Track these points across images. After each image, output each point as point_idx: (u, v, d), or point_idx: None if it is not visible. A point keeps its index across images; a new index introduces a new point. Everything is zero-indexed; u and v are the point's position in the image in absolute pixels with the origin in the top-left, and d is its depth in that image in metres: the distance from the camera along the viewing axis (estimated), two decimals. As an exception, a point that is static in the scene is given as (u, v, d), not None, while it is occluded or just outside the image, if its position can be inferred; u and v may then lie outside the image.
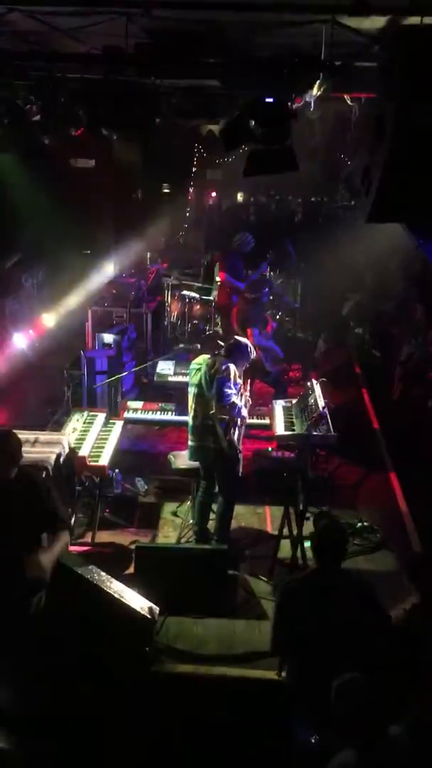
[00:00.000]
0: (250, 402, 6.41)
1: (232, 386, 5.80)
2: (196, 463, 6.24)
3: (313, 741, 3.60)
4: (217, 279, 10.02)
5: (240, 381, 6.06)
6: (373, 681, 3.25)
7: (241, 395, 6.04)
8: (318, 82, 5.27)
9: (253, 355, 6.22)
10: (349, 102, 7.64)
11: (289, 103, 5.22)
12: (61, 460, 5.38)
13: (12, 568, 3.94)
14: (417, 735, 3.25)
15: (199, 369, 5.99)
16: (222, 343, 6.18)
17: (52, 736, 4.15)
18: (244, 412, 6.01)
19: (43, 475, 4.70)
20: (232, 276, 9.76)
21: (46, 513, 4.08)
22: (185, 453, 6.35)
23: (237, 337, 6.64)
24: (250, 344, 6.18)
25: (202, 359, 6.08)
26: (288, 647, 4.04)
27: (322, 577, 3.93)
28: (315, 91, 5.44)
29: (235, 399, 5.80)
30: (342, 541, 3.98)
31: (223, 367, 5.83)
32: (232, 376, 5.83)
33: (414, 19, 4.42)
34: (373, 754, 3.09)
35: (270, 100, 4.94)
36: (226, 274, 9.82)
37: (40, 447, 5.25)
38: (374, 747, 3.09)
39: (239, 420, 5.99)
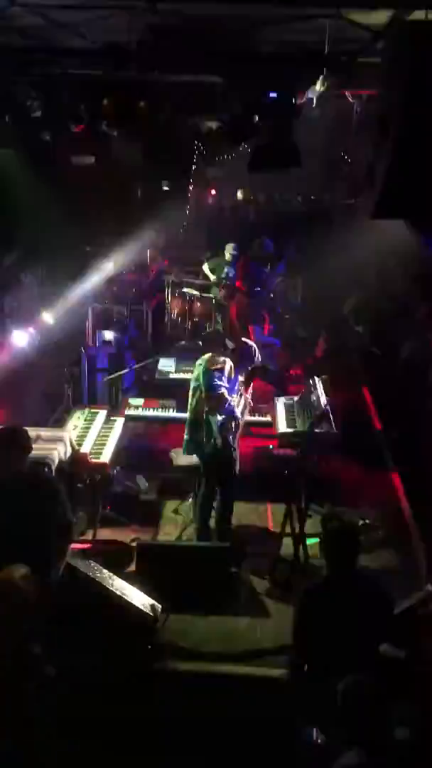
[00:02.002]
0: (252, 404, 6.39)
1: (224, 379, 5.80)
2: (197, 461, 6.22)
3: (319, 741, 3.58)
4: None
5: (241, 379, 6.05)
6: (379, 683, 3.23)
7: (241, 396, 6.02)
8: (321, 77, 5.24)
9: (258, 359, 6.21)
10: (350, 99, 7.61)
11: (293, 99, 5.19)
12: (64, 457, 5.36)
13: (22, 563, 3.92)
14: (421, 737, 3.24)
15: (201, 365, 5.99)
16: (229, 344, 6.17)
17: (52, 734, 4.14)
18: (238, 412, 5.99)
19: (46, 471, 4.68)
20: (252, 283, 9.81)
21: (54, 511, 4.06)
22: (186, 450, 6.33)
23: (245, 339, 6.63)
24: (256, 348, 6.17)
25: (206, 356, 6.07)
26: (307, 649, 4.01)
27: (334, 583, 3.90)
28: (318, 87, 5.42)
29: (224, 392, 5.78)
30: (353, 544, 3.92)
31: (219, 361, 5.83)
32: (226, 371, 5.83)
33: (419, 14, 4.40)
34: (377, 756, 3.06)
35: (274, 95, 4.92)
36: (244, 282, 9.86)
37: (42, 444, 5.23)
38: (379, 749, 3.07)
39: (234, 424, 5.97)
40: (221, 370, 5.80)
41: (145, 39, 5.30)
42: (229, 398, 5.86)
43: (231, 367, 5.86)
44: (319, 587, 4.01)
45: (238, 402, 5.99)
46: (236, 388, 5.91)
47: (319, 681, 3.78)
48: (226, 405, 5.80)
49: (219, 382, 5.77)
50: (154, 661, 4.96)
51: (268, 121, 4.94)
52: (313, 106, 6.37)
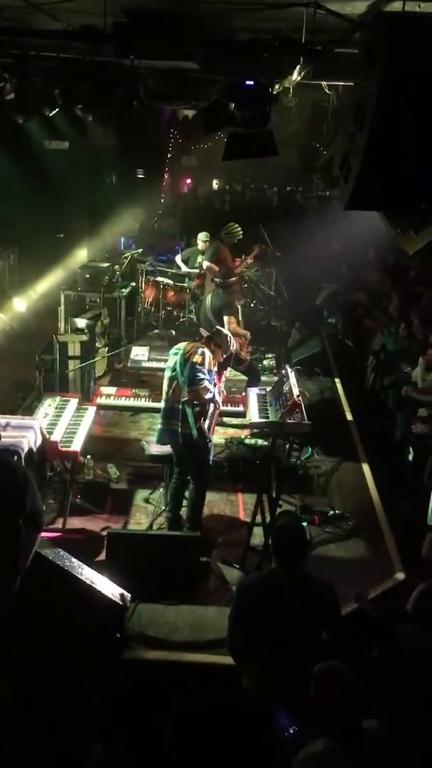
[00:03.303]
0: (224, 393, 6.39)
1: (205, 372, 5.77)
2: (168, 450, 6.20)
3: (291, 731, 3.59)
4: (204, 265, 9.96)
5: (215, 369, 6.03)
6: (354, 672, 3.24)
7: (215, 385, 6.01)
8: (298, 66, 5.22)
9: (233, 346, 6.19)
10: (326, 90, 7.60)
11: (270, 87, 5.16)
12: (34, 445, 5.31)
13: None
14: (391, 730, 3.25)
15: (176, 354, 5.95)
16: (203, 332, 6.15)
17: (24, 725, 4.12)
18: (218, 398, 5.99)
19: (15, 459, 4.63)
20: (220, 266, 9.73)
21: (23, 502, 4.01)
22: (157, 439, 6.32)
23: (218, 327, 6.61)
24: (230, 335, 6.15)
25: (182, 345, 6.05)
26: (243, 643, 4.02)
27: (277, 577, 3.92)
28: (295, 76, 5.39)
29: (207, 384, 5.77)
30: (298, 544, 3.94)
31: (198, 352, 5.80)
32: (206, 363, 5.81)
33: (397, 5, 4.39)
34: (344, 746, 3.07)
35: (251, 83, 4.89)
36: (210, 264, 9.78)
37: (12, 431, 5.17)
38: (347, 739, 3.07)
39: (212, 407, 5.97)
40: (202, 362, 5.77)
41: (121, 22, 5.23)
42: (212, 389, 5.84)
43: (210, 358, 5.83)
44: (262, 580, 4.03)
45: (214, 389, 5.98)
46: (212, 376, 5.90)
47: (269, 673, 3.80)
48: (207, 395, 5.79)
49: (202, 375, 5.74)
50: (123, 649, 4.95)
51: (244, 109, 4.90)
52: (290, 95, 6.35)
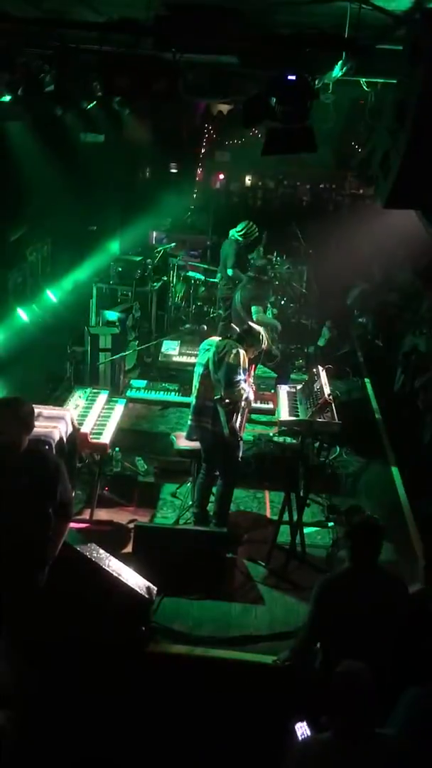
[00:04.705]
0: (254, 388, 6.37)
1: (241, 372, 5.74)
2: (197, 444, 6.20)
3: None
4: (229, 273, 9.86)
5: (246, 366, 6.02)
6: (379, 674, 3.21)
7: (245, 381, 5.99)
8: (340, 62, 5.16)
9: (265, 343, 6.15)
10: (365, 87, 7.53)
11: (313, 82, 5.12)
12: (65, 435, 5.33)
13: (20, 542, 3.91)
14: (405, 741, 3.22)
15: (208, 350, 5.92)
16: (235, 327, 6.12)
17: (47, 714, 4.14)
18: (251, 395, 5.97)
19: (47, 449, 4.65)
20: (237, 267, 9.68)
21: (54, 491, 4.02)
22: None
23: (249, 323, 6.57)
24: (262, 331, 6.11)
25: (213, 341, 6.02)
26: (320, 639, 4.01)
27: (358, 576, 3.89)
28: (336, 72, 5.34)
29: (243, 385, 5.75)
30: (377, 541, 3.89)
31: (233, 353, 5.76)
32: (241, 362, 5.78)
33: (443, 1, 4.33)
34: (349, 742, 3.05)
35: (292, 77, 4.84)
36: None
37: (44, 421, 5.19)
38: (353, 736, 3.05)
39: (243, 403, 5.96)
40: (238, 363, 5.73)
41: (163, 15, 5.21)
42: (247, 390, 5.82)
43: (244, 356, 5.80)
44: (341, 579, 4.00)
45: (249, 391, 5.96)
46: (245, 375, 5.87)
47: (326, 670, 3.78)
48: (243, 397, 5.78)
49: (238, 377, 5.71)
50: (147, 642, 4.96)
51: (285, 104, 4.86)
52: (329, 92, 6.29)
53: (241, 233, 9.69)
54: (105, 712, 4.38)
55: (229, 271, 9.68)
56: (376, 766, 3.05)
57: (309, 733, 3.52)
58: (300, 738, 3.48)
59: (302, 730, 3.54)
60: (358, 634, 3.70)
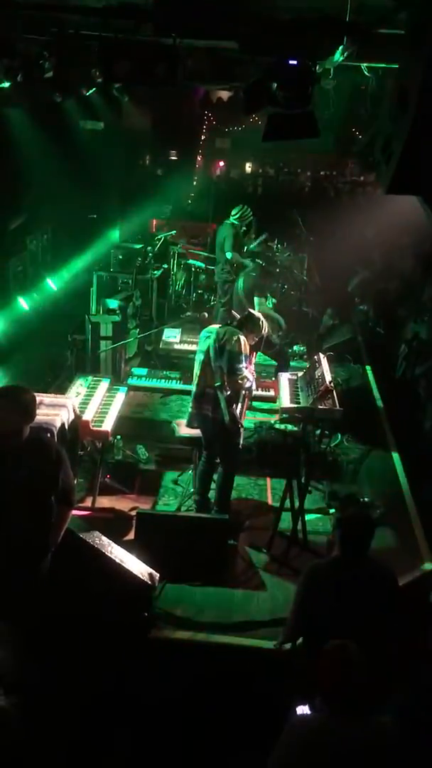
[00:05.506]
0: (254, 375, 6.37)
1: (242, 360, 5.74)
2: (198, 432, 6.20)
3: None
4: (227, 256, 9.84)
5: (247, 354, 6.01)
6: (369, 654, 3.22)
7: (246, 368, 5.99)
8: (341, 47, 5.13)
9: (266, 330, 6.14)
10: (366, 73, 7.49)
11: (314, 66, 5.09)
12: (67, 423, 5.34)
13: (22, 531, 3.92)
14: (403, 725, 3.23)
15: (209, 337, 5.92)
16: (236, 314, 6.11)
17: (49, 701, 4.17)
18: (252, 383, 5.97)
19: (48, 437, 4.66)
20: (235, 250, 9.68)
21: (56, 478, 4.03)
22: (187, 420, 6.32)
23: (250, 310, 6.56)
24: (262, 318, 6.10)
25: (214, 328, 6.02)
26: (304, 628, 4.01)
27: (344, 566, 3.89)
28: (337, 56, 5.31)
29: (245, 373, 5.75)
30: (367, 535, 3.89)
31: (234, 339, 5.76)
32: (242, 349, 5.77)
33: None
34: (342, 718, 3.06)
35: (294, 62, 4.81)
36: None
37: (45, 409, 5.19)
38: (345, 712, 3.06)
39: (245, 391, 5.96)
40: (239, 350, 5.73)
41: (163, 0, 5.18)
42: (250, 378, 5.82)
43: (245, 343, 5.80)
44: (328, 566, 4.01)
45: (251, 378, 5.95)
46: (246, 362, 5.86)
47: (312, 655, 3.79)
48: (246, 385, 5.78)
49: (240, 364, 5.71)
50: (150, 628, 4.99)
51: (286, 89, 4.83)
52: (330, 77, 6.26)
53: (236, 216, 9.79)
54: (107, 698, 4.40)
55: (228, 255, 9.69)
56: (368, 746, 3.04)
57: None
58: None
59: (302, 714, 3.56)
60: (343, 622, 3.68)
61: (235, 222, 9.76)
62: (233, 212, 9.83)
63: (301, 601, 3.98)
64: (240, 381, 5.73)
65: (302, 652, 4.03)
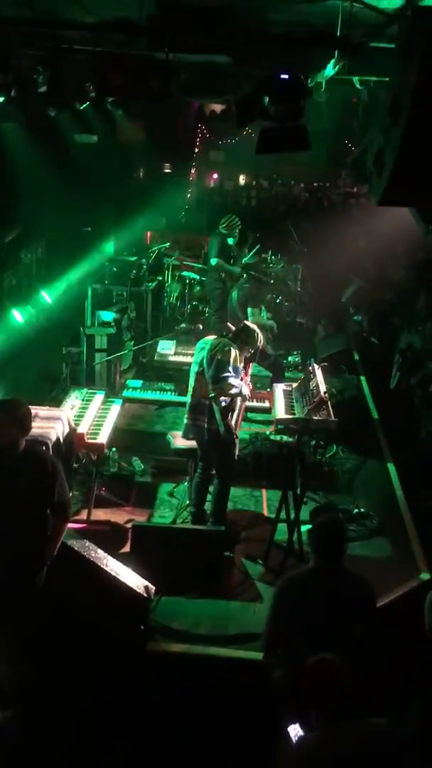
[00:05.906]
0: (250, 386, 6.38)
1: (230, 369, 5.75)
2: (193, 443, 6.20)
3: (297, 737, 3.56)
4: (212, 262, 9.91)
5: (241, 366, 6.01)
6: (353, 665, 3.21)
7: (241, 380, 6.00)
8: (333, 61, 5.18)
9: (260, 342, 6.16)
10: (358, 86, 7.56)
11: (306, 80, 5.13)
12: (62, 436, 5.33)
13: (17, 543, 3.91)
14: (398, 728, 3.22)
15: (203, 348, 5.94)
16: (230, 326, 6.12)
17: (45, 712, 4.15)
18: (246, 391, 5.97)
19: (44, 449, 4.65)
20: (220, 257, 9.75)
21: (52, 490, 4.03)
22: (183, 432, 6.32)
23: (246, 322, 6.58)
24: (257, 330, 6.12)
25: (209, 339, 6.04)
26: (280, 640, 3.99)
27: (319, 575, 3.89)
28: (329, 70, 5.36)
29: (231, 380, 5.75)
30: (338, 541, 3.90)
31: (225, 349, 5.79)
32: (231, 359, 5.79)
33: (435, -2, 4.34)
34: (336, 731, 3.05)
35: (285, 76, 4.85)
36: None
37: (41, 422, 5.18)
38: (337, 724, 3.05)
39: (239, 402, 5.97)
40: (227, 360, 5.74)
41: (156, 14, 5.22)
42: (237, 386, 5.83)
43: (237, 355, 5.82)
44: (303, 577, 4.00)
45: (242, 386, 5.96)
46: (238, 372, 5.88)
47: (291, 667, 3.77)
48: (233, 391, 5.79)
49: (226, 373, 5.72)
50: (146, 641, 4.97)
51: (278, 103, 4.87)
52: (322, 90, 6.31)
53: (224, 225, 9.86)
54: (104, 711, 4.38)
55: (213, 261, 9.78)
56: (368, 748, 3.03)
57: (302, 734, 3.52)
58: (294, 741, 3.48)
59: (295, 732, 3.54)
60: (317, 633, 3.67)
61: (223, 231, 9.83)
62: (221, 222, 9.94)
63: (277, 614, 3.96)
64: (226, 388, 5.73)
65: (280, 664, 4.02)
